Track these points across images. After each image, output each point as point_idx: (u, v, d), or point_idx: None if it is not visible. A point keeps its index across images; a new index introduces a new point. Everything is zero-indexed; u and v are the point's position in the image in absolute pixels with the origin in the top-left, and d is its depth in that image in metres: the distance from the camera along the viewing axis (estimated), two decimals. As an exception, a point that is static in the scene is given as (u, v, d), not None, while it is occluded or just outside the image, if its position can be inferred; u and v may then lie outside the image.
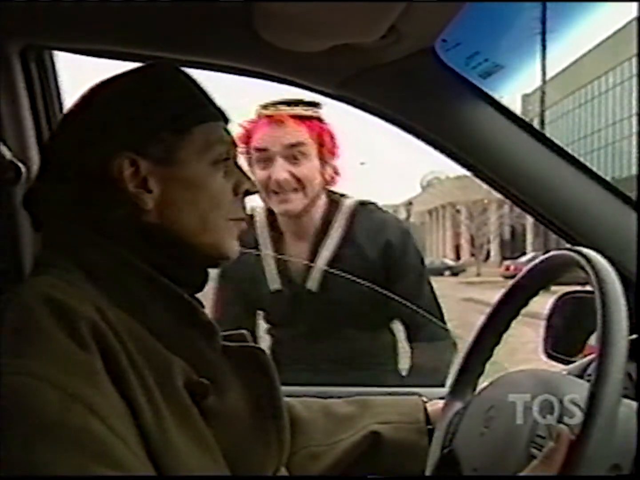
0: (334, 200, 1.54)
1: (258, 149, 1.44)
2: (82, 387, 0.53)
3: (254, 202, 1.53)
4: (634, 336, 0.93)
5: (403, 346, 1.63)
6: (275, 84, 1.04)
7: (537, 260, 0.81)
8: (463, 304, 13.56)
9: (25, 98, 1.08)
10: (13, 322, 0.56)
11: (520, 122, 1.00)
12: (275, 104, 1.44)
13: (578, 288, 1.14)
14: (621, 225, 1.06)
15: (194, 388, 0.64)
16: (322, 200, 1.51)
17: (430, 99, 0.99)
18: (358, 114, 1.04)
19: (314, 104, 1.45)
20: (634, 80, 30.45)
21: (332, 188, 1.56)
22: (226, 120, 0.75)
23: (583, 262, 0.68)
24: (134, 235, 0.67)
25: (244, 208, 0.76)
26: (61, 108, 1.28)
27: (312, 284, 1.48)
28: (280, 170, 1.41)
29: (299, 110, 1.43)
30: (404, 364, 1.61)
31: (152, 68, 0.74)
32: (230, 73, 1.03)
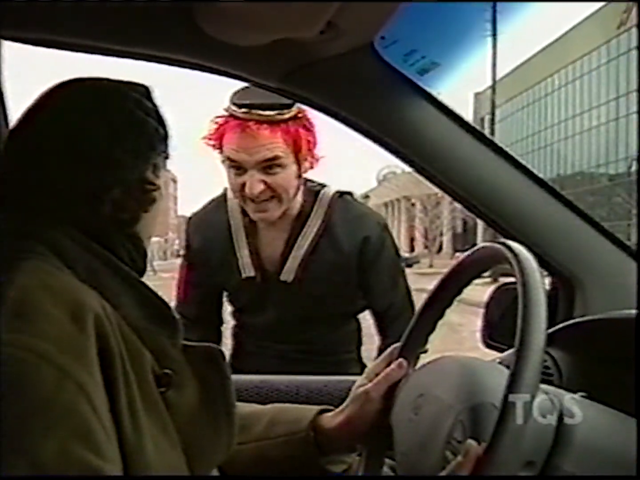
0: (312, 190, 1.50)
1: (231, 159, 1.37)
2: (75, 365, 0.55)
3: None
4: (559, 327, 0.97)
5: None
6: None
7: (467, 253, 0.83)
8: (416, 294, 13.74)
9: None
10: (13, 304, 0.57)
11: (456, 118, 1.03)
12: (248, 105, 1.33)
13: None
14: (552, 220, 1.11)
15: (159, 379, 0.67)
16: (300, 192, 1.46)
17: (369, 94, 1.00)
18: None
19: (286, 105, 1.34)
20: (577, 83, 31.48)
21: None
22: None
23: (508, 254, 0.70)
24: (116, 233, 0.71)
25: None
26: (2, 97, 1.25)
27: (287, 275, 1.45)
28: (255, 182, 1.35)
29: (272, 114, 1.32)
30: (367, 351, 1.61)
31: (139, 85, 0.77)
32: (172, 65, 1.02)
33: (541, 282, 0.65)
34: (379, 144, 1.03)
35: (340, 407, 0.90)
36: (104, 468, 0.53)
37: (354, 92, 1.00)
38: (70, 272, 0.64)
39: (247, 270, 1.47)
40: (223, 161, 1.42)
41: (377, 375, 0.88)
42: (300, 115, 1.37)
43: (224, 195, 1.54)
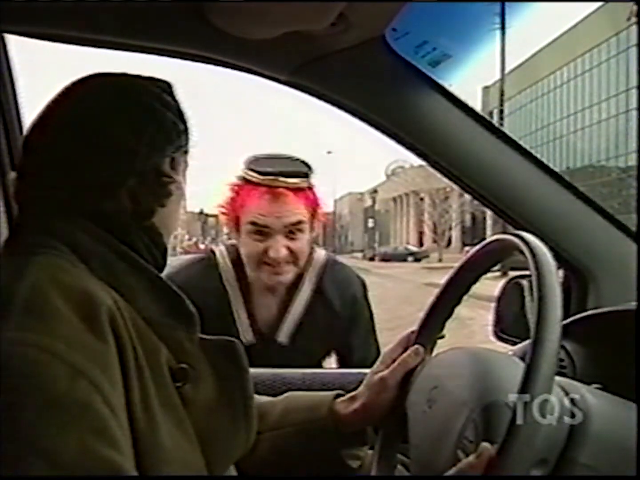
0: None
1: (257, 224, 1.41)
2: (87, 363, 0.55)
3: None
4: (572, 319, 0.97)
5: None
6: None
7: (480, 245, 0.83)
8: (425, 289, 13.81)
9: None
10: (24, 301, 0.56)
11: (468, 110, 1.02)
12: (274, 173, 1.39)
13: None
14: (564, 211, 1.10)
15: (175, 373, 0.66)
16: None
17: (381, 86, 1.00)
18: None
19: (307, 174, 1.43)
20: (587, 75, 31.29)
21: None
22: None
23: (522, 246, 0.70)
24: (133, 226, 0.71)
25: None
26: (14, 92, 1.26)
27: (283, 337, 1.49)
28: (280, 247, 1.40)
29: (297, 182, 1.40)
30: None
31: (160, 81, 0.77)
32: (181, 58, 1.03)
33: (556, 275, 0.65)
34: (390, 137, 1.03)
35: (355, 392, 0.90)
36: (125, 465, 0.53)
37: (365, 85, 1.00)
38: (84, 267, 0.64)
39: (247, 336, 1.49)
40: (236, 230, 1.46)
41: (393, 361, 0.88)
42: (313, 185, 1.46)
43: (210, 260, 1.53)
